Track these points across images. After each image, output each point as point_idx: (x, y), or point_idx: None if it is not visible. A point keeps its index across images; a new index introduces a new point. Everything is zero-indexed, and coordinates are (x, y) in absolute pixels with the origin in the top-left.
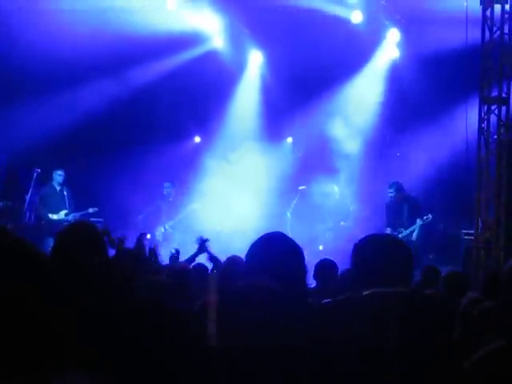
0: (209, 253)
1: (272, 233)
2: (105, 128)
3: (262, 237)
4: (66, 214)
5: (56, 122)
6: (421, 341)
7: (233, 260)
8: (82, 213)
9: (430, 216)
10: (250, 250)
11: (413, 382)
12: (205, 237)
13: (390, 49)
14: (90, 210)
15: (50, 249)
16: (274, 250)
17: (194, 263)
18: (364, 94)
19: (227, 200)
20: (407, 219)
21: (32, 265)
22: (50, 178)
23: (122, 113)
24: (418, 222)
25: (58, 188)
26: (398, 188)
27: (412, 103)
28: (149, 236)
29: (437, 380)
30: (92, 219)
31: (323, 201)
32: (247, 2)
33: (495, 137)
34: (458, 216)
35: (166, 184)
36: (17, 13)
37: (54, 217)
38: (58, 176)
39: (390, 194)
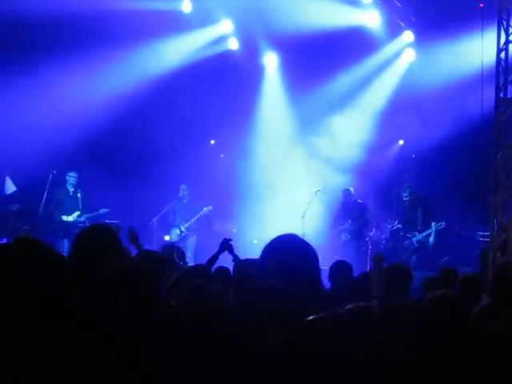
0: (233, 253)
1: (284, 235)
2: (121, 131)
3: (274, 239)
4: (79, 216)
5: (70, 124)
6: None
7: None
8: (93, 214)
9: (443, 223)
10: (262, 252)
11: None
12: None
13: (404, 50)
14: (101, 211)
15: (65, 250)
16: (286, 252)
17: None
18: (376, 95)
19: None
20: (421, 223)
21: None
22: (64, 180)
23: (138, 115)
24: (434, 225)
25: (72, 190)
26: (412, 191)
27: (426, 106)
28: (167, 238)
29: None
30: (107, 221)
31: (339, 202)
32: (260, 5)
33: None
34: (474, 218)
35: (183, 186)
36: None
37: (68, 218)
38: (71, 178)
39: (405, 198)
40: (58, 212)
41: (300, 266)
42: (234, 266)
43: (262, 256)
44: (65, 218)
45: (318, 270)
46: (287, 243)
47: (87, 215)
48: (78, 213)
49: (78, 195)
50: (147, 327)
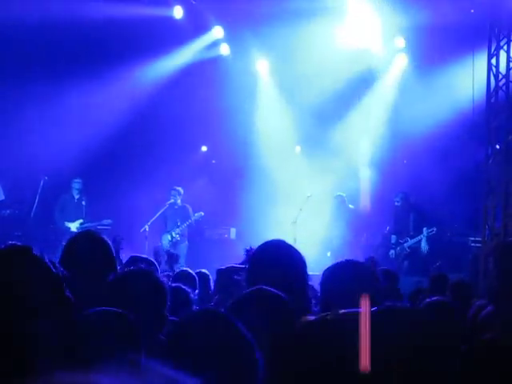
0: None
1: (272, 241)
2: (117, 139)
3: (261, 245)
4: (81, 224)
5: (67, 132)
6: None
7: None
8: (95, 223)
9: (434, 229)
10: (250, 258)
11: None
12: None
13: (396, 55)
14: (105, 222)
15: (57, 256)
16: (274, 258)
17: (198, 270)
18: (372, 101)
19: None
20: (413, 229)
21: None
22: (70, 187)
23: (134, 123)
24: (425, 231)
25: (77, 197)
26: (404, 197)
27: (419, 111)
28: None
29: None
30: (99, 227)
31: (331, 207)
32: (251, 9)
33: (497, 146)
34: (466, 223)
35: (173, 192)
36: None
37: (70, 225)
38: (76, 183)
39: (397, 204)
40: (61, 217)
41: (286, 272)
42: (217, 272)
43: (249, 262)
44: (67, 224)
45: (304, 275)
46: (273, 249)
47: (89, 224)
48: (80, 221)
49: (83, 203)
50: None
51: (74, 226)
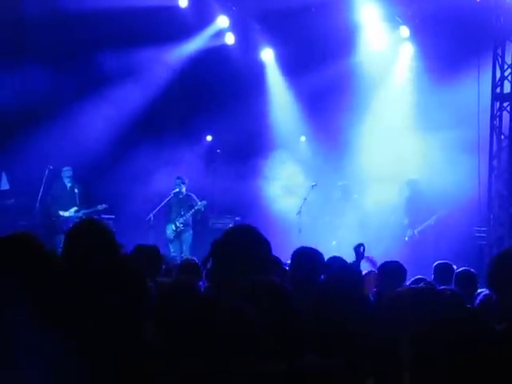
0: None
1: (238, 225)
2: (123, 128)
3: (227, 229)
4: (76, 211)
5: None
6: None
7: None
8: (91, 210)
9: (445, 211)
10: (214, 248)
11: None
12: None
13: (402, 44)
14: (100, 207)
15: (61, 245)
16: (237, 243)
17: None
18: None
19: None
20: (422, 215)
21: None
22: (60, 176)
23: (138, 113)
24: (433, 218)
25: (69, 185)
26: (413, 185)
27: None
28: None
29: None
30: (103, 216)
31: (335, 197)
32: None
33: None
34: (471, 212)
35: (177, 180)
36: None
37: (65, 214)
38: (67, 171)
39: (406, 193)
40: (56, 207)
41: (250, 255)
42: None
43: (212, 252)
44: (62, 213)
45: (269, 259)
46: (237, 234)
47: (85, 211)
48: (75, 208)
49: (75, 190)
50: (133, 325)
51: (68, 214)
